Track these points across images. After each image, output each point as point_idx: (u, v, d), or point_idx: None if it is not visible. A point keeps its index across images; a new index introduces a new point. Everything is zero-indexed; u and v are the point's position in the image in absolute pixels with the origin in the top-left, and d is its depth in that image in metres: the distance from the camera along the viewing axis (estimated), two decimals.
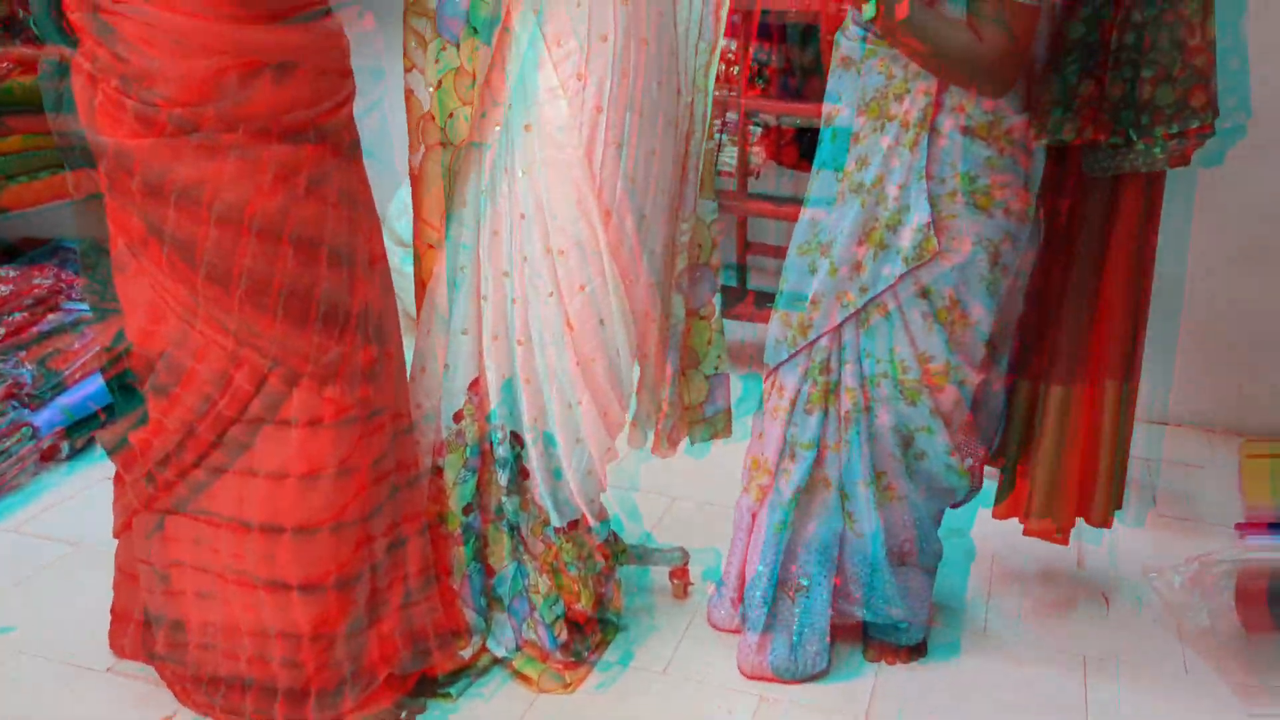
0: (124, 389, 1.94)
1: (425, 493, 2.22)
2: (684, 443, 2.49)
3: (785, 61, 3.73)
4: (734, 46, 3.59)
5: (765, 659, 2.27)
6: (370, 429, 1.98)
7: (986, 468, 2.38)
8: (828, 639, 2.28)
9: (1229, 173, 2.61)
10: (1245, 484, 3.03)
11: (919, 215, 2.04)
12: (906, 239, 2.06)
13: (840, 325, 2.15)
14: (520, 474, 2.23)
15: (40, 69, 1.82)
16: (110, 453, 1.99)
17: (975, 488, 2.30)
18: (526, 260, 2.11)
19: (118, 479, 2.04)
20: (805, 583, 2.27)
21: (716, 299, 2.42)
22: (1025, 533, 2.41)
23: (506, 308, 2.16)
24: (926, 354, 2.12)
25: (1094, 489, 2.31)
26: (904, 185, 2.05)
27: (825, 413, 2.20)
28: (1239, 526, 2.78)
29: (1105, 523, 2.36)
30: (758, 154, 3.82)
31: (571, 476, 2.19)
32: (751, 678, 2.28)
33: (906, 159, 2.04)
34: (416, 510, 2.13)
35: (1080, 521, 2.38)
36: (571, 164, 2.04)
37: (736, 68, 3.65)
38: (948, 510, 2.35)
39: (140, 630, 2.12)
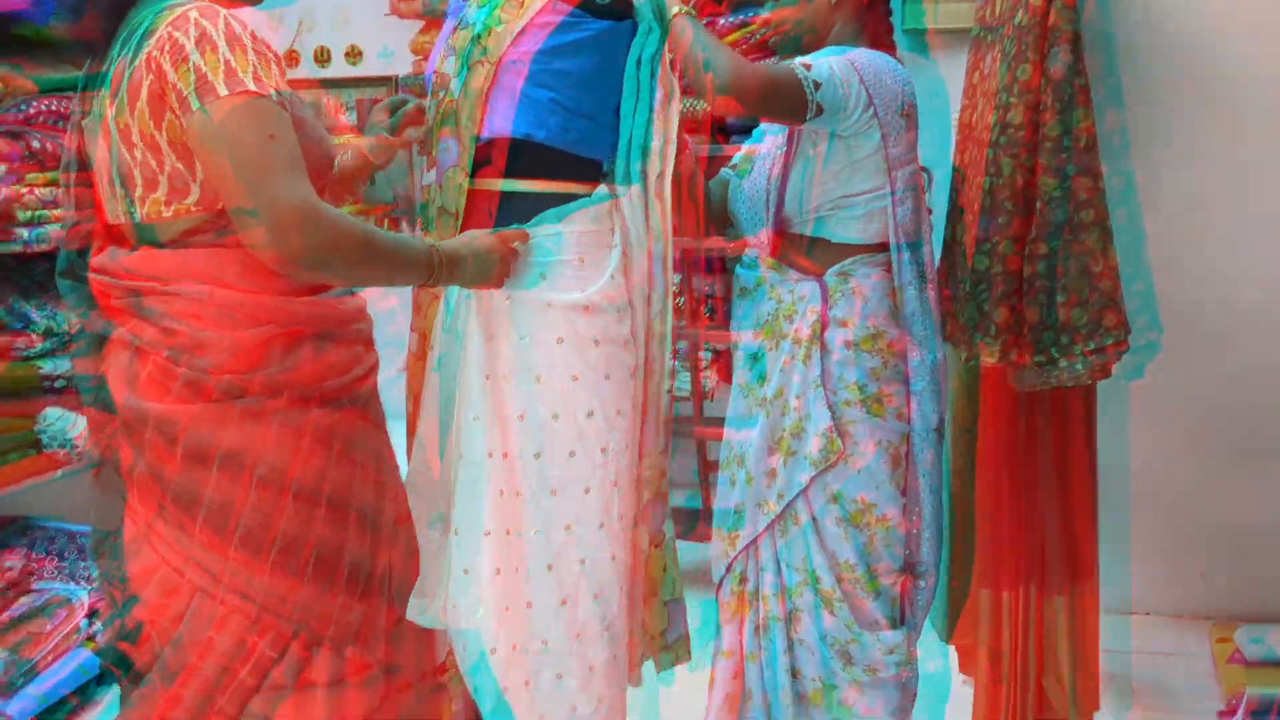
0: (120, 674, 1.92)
1: None
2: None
3: (728, 291, 3.92)
4: (678, 280, 3.77)
5: None
6: (393, 688, 1.97)
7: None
8: None
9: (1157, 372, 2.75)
10: (1220, 671, 3.04)
11: (820, 421, 2.18)
12: (812, 445, 2.18)
13: (760, 535, 2.24)
14: None
15: (74, 351, 1.85)
16: None
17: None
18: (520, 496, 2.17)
19: None
20: None
21: (667, 526, 2.48)
22: None
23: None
24: (847, 561, 2.19)
25: (1062, 694, 2.34)
26: (803, 396, 2.20)
27: (743, 621, 2.26)
28: (1221, 715, 2.80)
29: None
30: (710, 378, 3.95)
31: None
32: None
33: (802, 372, 2.21)
34: None
35: None
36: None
37: (682, 299, 3.83)
38: None
39: None
